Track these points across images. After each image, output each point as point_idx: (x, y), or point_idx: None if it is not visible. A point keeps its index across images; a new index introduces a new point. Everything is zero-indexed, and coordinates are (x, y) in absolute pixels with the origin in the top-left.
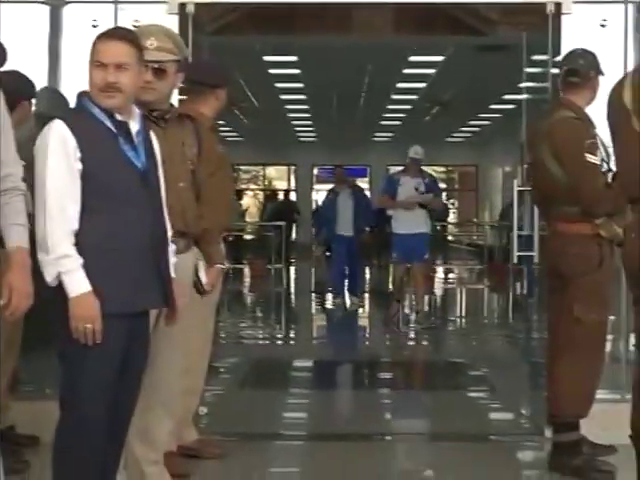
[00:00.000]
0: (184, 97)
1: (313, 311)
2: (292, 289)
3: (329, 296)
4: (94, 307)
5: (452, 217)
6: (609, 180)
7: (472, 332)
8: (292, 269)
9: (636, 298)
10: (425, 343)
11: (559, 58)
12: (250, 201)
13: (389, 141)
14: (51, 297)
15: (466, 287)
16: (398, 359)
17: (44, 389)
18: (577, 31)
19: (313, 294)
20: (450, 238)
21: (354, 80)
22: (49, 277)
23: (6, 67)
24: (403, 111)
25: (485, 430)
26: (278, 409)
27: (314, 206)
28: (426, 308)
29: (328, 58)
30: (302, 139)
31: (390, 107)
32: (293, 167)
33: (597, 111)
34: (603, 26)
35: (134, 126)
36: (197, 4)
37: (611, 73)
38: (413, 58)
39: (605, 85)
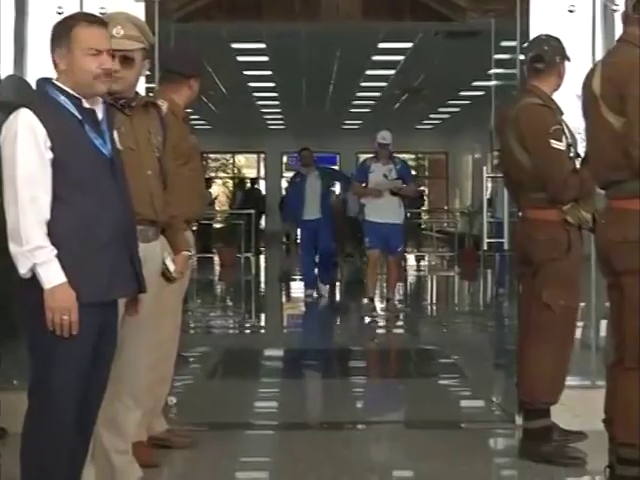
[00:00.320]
0: (151, 85)
1: (283, 300)
2: (262, 278)
3: (300, 284)
4: (70, 298)
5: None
6: (577, 166)
7: (443, 319)
8: (262, 257)
9: (609, 284)
10: (396, 331)
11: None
12: (219, 189)
13: (358, 128)
14: (19, 288)
15: (437, 274)
16: (369, 347)
17: (11, 380)
18: (545, 17)
19: (283, 283)
20: (422, 226)
21: (323, 67)
22: (23, 269)
23: None
24: (372, 98)
25: (456, 417)
26: (248, 398)
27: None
28: (397, 297)
29: (297, 45)
30: (271, 127)
31: (359, 94)
32: (262, 155)
33: (564, 97)
34: (571, 12)
35: (99, 114)
36: None
37: (579, 59)
38: (382, 45)
39: (572, 71)
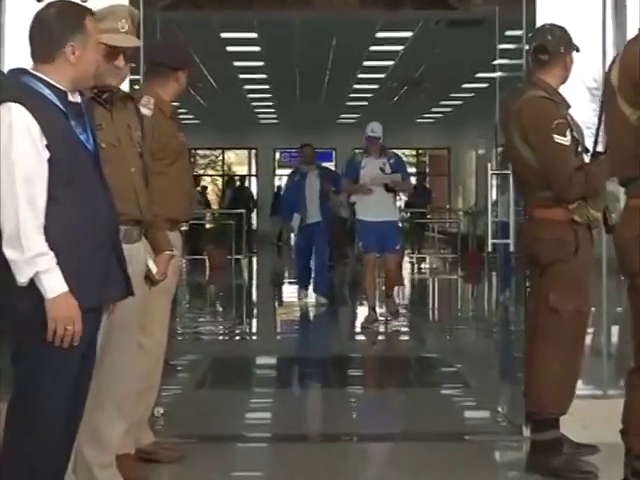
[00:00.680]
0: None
1: (276, 304)
2: (254, 281)
3: (293, 288)
4: (74, 308)
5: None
6: (586, 161)
7: (445, 325)
8: (254, 260)
9: (628, 286)
10: (396, 337)
11: None
12: (208, 188)
13: (355, 123)
14: (6, 294)
15: (439, 277)
16: (368, 354)
17: None
18: (553, 5)
19: (276, 286)
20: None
21: (318, 58)
22: (23, 278)
23: None
24: (370, 91)
25: (459, 429)
26: (240, 409)
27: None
28: (396, 299)
29: (290, 35)
30: (263, 121)
31: (356, 87)
32: (254, 151)
33: (573, 89)
34: None
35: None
36: None
37: (588, 49)
38: (380, 34)
39: (581, 62)
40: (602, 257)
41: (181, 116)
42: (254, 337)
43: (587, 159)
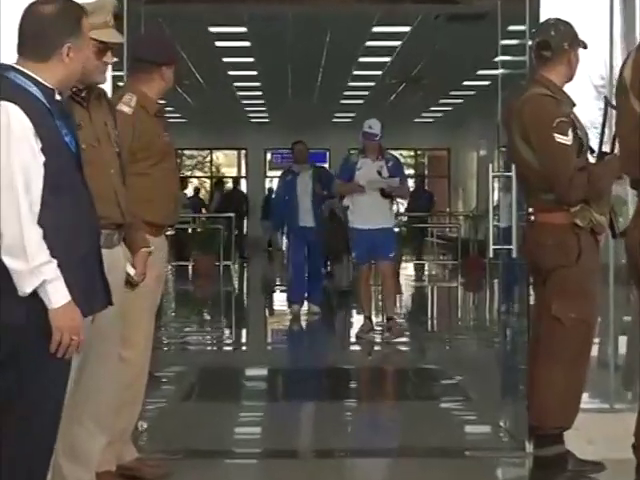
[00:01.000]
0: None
1: (267, 313)
2: (244, 289)
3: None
4: (79, 317)
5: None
6: (592, 161)
7: (445, 335)
8: (244, 266)
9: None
10: (393, 348)
11: None
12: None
13: (350, 122)
14: None
15: (438, 285)
16: (363, 366)
17: None
18: None
19: (267, 295)
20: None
21: (311, 54)
22: (29, 288)
23: None
24: (366, 88)
25: (460, 444)
26: (228, 423)
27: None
28: (397, 314)
29: (282, 29)
30: (253, 120)
31: (351, 84)
32: (243, 152)
33: (579, 87)
34: None
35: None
36: None
37: (595, 45)
38: (377, 29)
39: (588, 59)
40: (609, 264)
41: (167, 115)
42: (243, 347)
43: (593, 160)
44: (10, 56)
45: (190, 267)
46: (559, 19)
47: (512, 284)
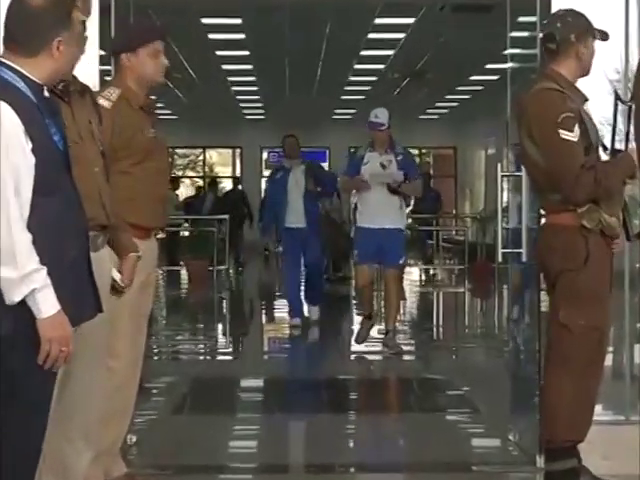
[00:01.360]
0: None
1: (263, 321)
2: (239, 295)
3: (282, 303)
4: (68, 327)
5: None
6: (605, 159)
7: (451, 344)
8: (240, 271)
9: None
10: (397, 357)
11: None
12: (187, 191)
13: (351, 119)
14: None
15: (444, 291)
16: (365, 376)
17: None
18: None
19: (263, 301)
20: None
21: (310, 47)
22: (17, 296)
23: None
24: (368, 83)
25: (467, 459)
26: (222, 437)
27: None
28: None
29: (279, 21)
30: (248, 117)
31: (352, 79)
32: (238, 150)
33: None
34: None
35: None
36: None
37: (610, 37)
38: (379, 20)
39: (603, 51)
40: (624, 268)
41: (157, 111)
42: (237, 357)
43: (606, 157)
44: None
45: (182, 272)
46: (570, 10)
47: (522, 290)
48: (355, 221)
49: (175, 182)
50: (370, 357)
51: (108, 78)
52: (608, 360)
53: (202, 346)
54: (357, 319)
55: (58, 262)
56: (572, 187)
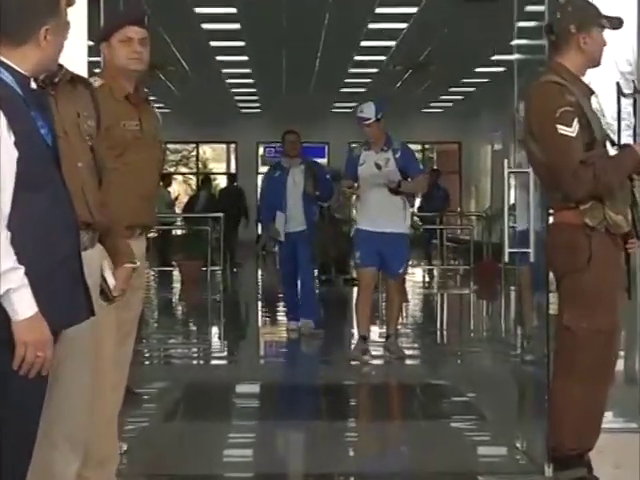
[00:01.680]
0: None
1: (259, 324)
2: (234, 297)
3: (279, 305)
4: (46, 330)
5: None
6: (612, 154)
7: (456, 348)
8: (235, 271)
9: None
10: (399, 362)
11: None
12: (180, 188)
13: (351, 113)
14: None
15: (448, 292)
16: (365, 382)
17: None
18: None
19: (259, 303)
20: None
21: (308, 38)
22: None
23: None
24: (368, 75)
25: (473, 468)
26: (216, 445)
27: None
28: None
29: (275, 10)
30: (244, 111)
31: (352, 71)
32: (233, 145)
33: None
34: None
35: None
36: None
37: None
38: (380, 10)
39: (614, 43)
40: (635, 268)
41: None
42: (232, 361)
43: (614, 152)
44: None
45: (175, 273)
46: None
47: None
48: (355, 224)
49: (167, 179)
50: (371, 362)
51: (98, 70)
52: (619, 365)
53: (195, 350)
54: (351, 326)
55: (46, 261)
56: (570, 183)
